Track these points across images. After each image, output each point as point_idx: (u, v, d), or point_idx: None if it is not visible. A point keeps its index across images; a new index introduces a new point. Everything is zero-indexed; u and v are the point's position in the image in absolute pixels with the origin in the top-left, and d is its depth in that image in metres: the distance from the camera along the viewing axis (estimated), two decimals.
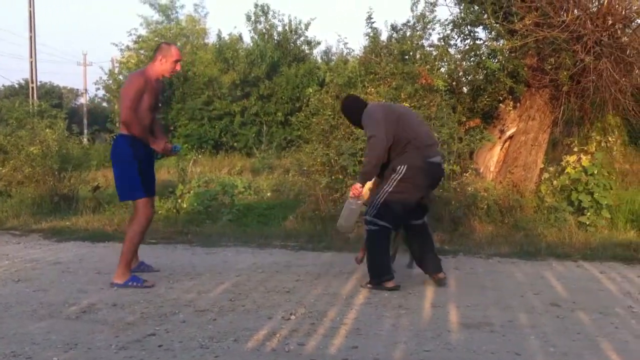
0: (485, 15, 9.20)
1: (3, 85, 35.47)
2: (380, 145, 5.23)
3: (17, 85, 35.46)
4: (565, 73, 8.72)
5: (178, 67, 5.73)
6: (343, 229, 5.87)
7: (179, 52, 5.78)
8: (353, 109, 5.67)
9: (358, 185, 5.45)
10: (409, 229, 5.65)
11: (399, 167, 5.26)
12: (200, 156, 17.52)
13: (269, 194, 11.73)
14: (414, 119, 5.68)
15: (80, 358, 3.67)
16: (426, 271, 5.62)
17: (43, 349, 3.83)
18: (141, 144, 5.55)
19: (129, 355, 3.73)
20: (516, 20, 8.74)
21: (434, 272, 5.55)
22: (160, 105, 6.01)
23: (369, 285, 5.40)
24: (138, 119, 5.43)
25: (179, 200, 9.61)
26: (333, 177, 8.73)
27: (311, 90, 11.12)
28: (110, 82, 28.64)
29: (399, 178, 5.25)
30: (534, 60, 9.52)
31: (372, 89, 9.05)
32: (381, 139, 5.22)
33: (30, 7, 26.98)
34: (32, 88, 25.80)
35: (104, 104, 40.31)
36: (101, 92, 33.81)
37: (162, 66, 5.62)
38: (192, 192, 9.85)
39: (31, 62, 25.99)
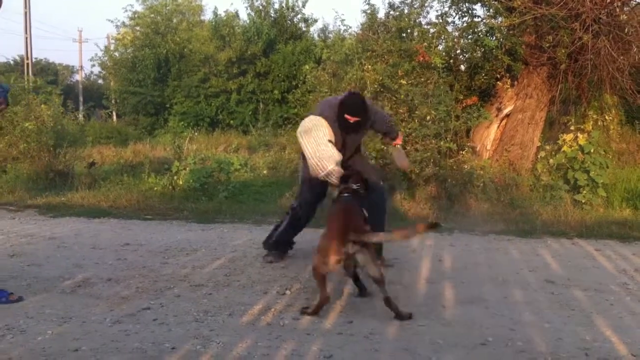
0: None
1: None
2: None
3: (12, 62, 35.19)
4: (563, 51, 8.67)
5: None
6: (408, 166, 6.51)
7: None
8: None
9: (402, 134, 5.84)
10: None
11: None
12: (196, 134, 17.43)
13: (265, 172, 11.70)
14: None
15: (74, 331, 3.67)
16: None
17: (37, 322, 3.82)
18: None
19: (124, 328, 3.73)
20: None
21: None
22: None
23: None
24: None
25: (175, 177, 9.58)
26: None
27: (308, 68, 11.10)
28: (106, 59, 28.46)
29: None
30: (532, 38, 9.47)
31: (369, 66, 9.01)
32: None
33: None
34: (27, 64, 25.61)
35: (100, 81, 40.09)
36: (97, 69, 33.68)
37: None
38: (188, 169, 9.83)
39: (26, 38, 25.79)
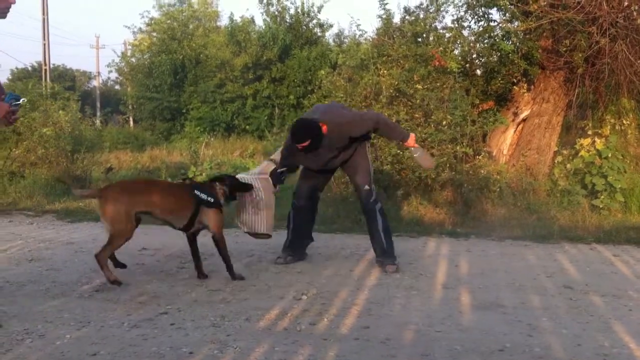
0: None
1: (16, 68, 35.53)
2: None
3: (30, 68, 35.53)
4: (580, 55, 8.61)
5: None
6: (432, 164, 6.39)
7: None
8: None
9: (413, 135, 5.57)
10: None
11: (367, 141, 5.73)
12: (212, 139, 17.51)
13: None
14: None
15: (92, 336, 3.69)
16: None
17: (56, 326, 3.86)
18: None
19: (141, 333, 3.75)
20: (531, 2, 8.65)
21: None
22: None
23: (397, 263, 5.49)
24: None
25: None
26: None
27: (323, 73, 11.08)
28: (123, 64, 28.66)
29: (368, 145, 5.79)
30: (549, 42, 9.41)
31: (385, 71, 9.00)
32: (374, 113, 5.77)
33: None
34: (45, 70, 25.84)
35: (117, 87, 40.41)
36: (114, 75, 33.97)
37: None
38: (204, 174, 9.86)
39: (44, 45, 26.02)
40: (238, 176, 5.49)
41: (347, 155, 5.48)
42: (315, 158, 5.38)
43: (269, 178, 5.44)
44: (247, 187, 5.32)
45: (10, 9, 3.99)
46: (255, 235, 5.60)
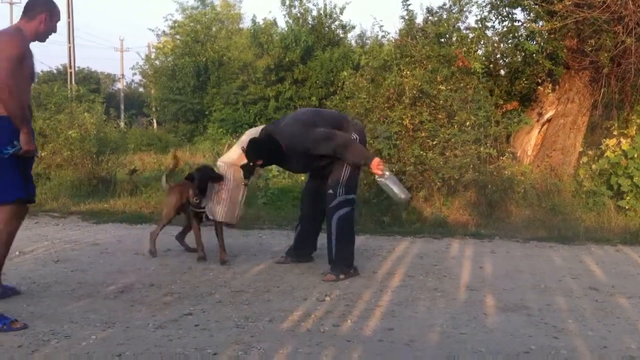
0: None
1: (42, 71, 35.91)
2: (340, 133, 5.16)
3: (55, 71, 35.91)
4: (605, 55, 8.52)
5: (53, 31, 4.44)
6: (405, 197, 5.43)
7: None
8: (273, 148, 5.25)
9: (376, 160, 5.13)
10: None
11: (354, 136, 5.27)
12: (234, 140, 17.58)
13: (302, 178, 11.69)
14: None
15: (118, 336, 3.72)
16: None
17: (81, 327, 3.89)
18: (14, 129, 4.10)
19: (166, 334, 3.77)
20: (555, 1, 8.58)
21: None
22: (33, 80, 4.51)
23: (342, 277, 5.15)
24: (17, 92, 4.03)
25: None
26: None
27: (346, 74, 11.07)
28: (147, 67, 28.90)
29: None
30: (574, 41, 9.34)
31: (408, 72, 8.96)
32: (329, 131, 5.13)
33: None
34: (70, 73, 26.03)
35: (140, 89, 40.78)
36: (138, 77, 34.29)
37: (41, 27, 4.30)
38: None
39: (69, 48, 26.22)
40: (218, 163, 5.75)
41: (327, 161, 5.26)
42: (290, 161, 5.42)
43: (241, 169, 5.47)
44: (219, 178, 5.55)
45: (51, 35, 4.43)
46: (220, 223, 5.75)
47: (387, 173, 5.20)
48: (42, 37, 4.33)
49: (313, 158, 5.24)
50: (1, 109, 4.01)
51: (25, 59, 4.12)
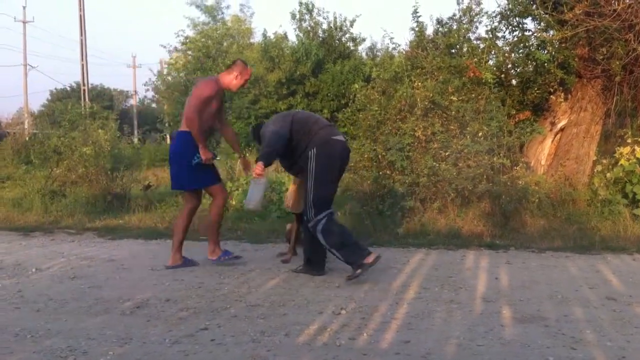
0: (534, 6, 9.06)
1: (55, 89, 36.29)
2: (276, 136, 5.58)
3: (68, 88, 36.26)
4: (617, 63, 8.49)
5: (245, 86, 6.35)
6: (253, 207, 6.02)
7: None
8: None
9: (261, 163, 5.45)
10: None
11: (310, 151, 5.53)
12: (247, 154, 17.63)
13: None
14: (305, 112, 6.42)
15: (134, 352, 3.74)
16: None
17: (99, 343, 3.91)
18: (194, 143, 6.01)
19: (182, 349, 3.78)
20: (566, 10, 8.57)
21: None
22: (221, 113, 6.35)
23: (358, 272, 5.37)
24: (201, 120, 5.87)
25: (228, 198, 9.67)
26: (380, 173, 8.71)
27: (357, 87, 11.09)
28: (159, 83, 29.08)
29: (314, 162, 5.52)
30: (585, 50, 9.32)
31: (419, 84, 8.98)
32: (274, 130, 5.61)
33: (80, 11, 27.57)
34: (84, 90, 26.34)
35: (153, 105, 41.06)
36: (150, 94, 34.53)
37: (234, 81, 6.10)
38: (240, 189, 9.92)
39: (82, 65, 26.53)
40: None
41: (301, 167, 5.70)
42: (284, 158, 5.90)
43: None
44: None
45: (241, 88, 6.60)
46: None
47: (263, 180, 5.70)
48: (233, 88, 6.15)
49: (294, 157, 5.72)
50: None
51: (213, 100, 5.98)
